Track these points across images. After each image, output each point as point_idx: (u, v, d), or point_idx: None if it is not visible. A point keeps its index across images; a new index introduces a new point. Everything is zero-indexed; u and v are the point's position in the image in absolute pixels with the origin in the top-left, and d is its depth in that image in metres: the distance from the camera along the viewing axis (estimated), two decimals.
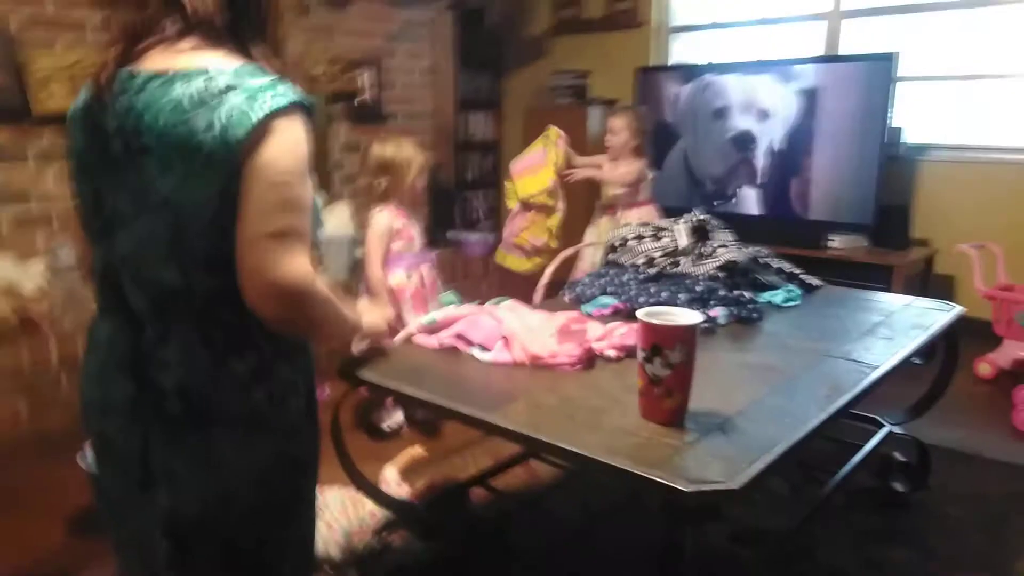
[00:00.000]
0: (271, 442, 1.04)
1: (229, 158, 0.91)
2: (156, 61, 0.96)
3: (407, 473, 2.10)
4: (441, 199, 4.48)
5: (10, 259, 2.82)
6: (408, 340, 1.60)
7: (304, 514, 1.15)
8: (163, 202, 0.94)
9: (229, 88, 0.93)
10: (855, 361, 1.53)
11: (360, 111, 4.04)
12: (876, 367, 1.48)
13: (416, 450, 2.21)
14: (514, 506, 2.05)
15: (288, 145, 0.94)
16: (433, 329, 1.61)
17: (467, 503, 1.97)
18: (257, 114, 0.92)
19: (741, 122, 3.99)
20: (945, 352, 2.00)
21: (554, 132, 3.14)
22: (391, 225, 2.55)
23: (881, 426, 2.12)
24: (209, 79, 0.93)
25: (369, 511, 1.86)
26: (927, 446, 2.16)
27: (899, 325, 1.79)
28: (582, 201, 3.54)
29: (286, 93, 0.95)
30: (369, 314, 1.32)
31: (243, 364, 1.01)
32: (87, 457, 1.99)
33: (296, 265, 0.95)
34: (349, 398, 1.40)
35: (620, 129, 3.17)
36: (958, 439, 2.52)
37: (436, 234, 4.39)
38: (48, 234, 2.99)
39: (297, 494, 1.12)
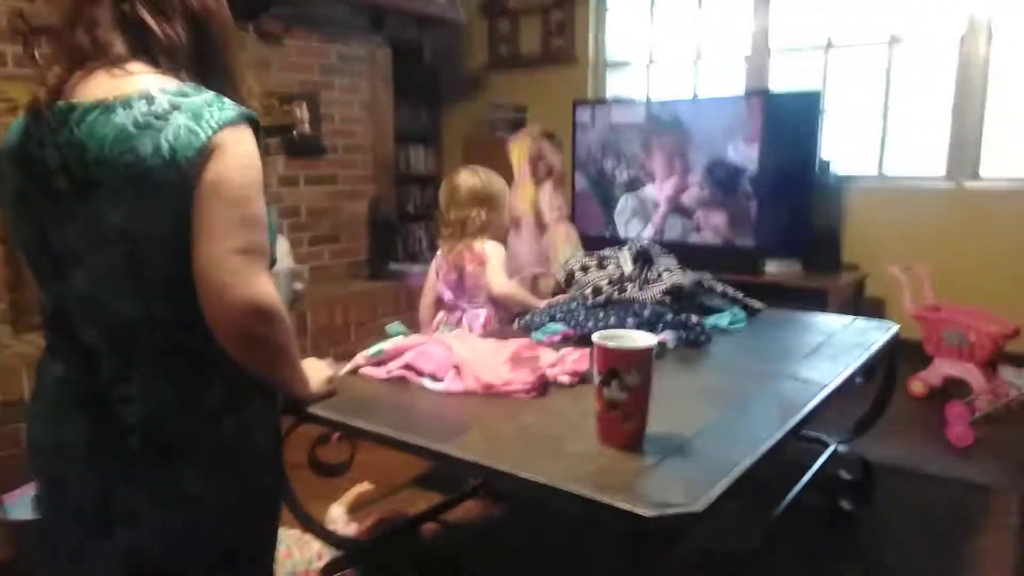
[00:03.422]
0: (238, 476, 1.01)
1: (181, 180, 0.89)
2: (96, 88, 0.93)
3: (355, 510, 2.03)
4: (383, 231, 4.43)
5: None
6: (355, 372, 1.55)
7: (268, 549, 1.13)
8: (118, 234, 0.91)
9: (173, 108, 0.91)
10: (803, 380, 1.55)
11: (297, 144, 3.98)
12: (824, 385, 1.51)
13: (363, 486, 2.14)
14: (468, 540, 1.99)
15: (241, 160, 0.93)
16: (381, 360, 1.57)
17: (418, 539, 1.91)
18: (205, 131, 0.90)
19: (678, 154, 4.09)
20: (885, 370, 2.06)
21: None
22: (504, 254, 2.27)
23: (826, 445, 2.15)
24: (151, 101, 0.91)
25: (316, 551, 1.78)
26: (871, 463, 2.21)
27: (841, 344, 1.84)
28: None
29: (232, 107, 0.94)
30: (313, 373, 1.27)
31: (212, 396, 0.98)
32: (13, 507, 1.86)
33: (263, 282, 0.93)
34: (295, 434, 1.34)
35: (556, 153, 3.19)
36: (896, 455, 2.59)
37: (379, 266, 4.33)
38: None
39: (262, 529, 1.10)
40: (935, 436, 2.81)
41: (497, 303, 2.23)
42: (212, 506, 0.99)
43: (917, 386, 3.23)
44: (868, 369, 1.88)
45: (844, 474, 2.17)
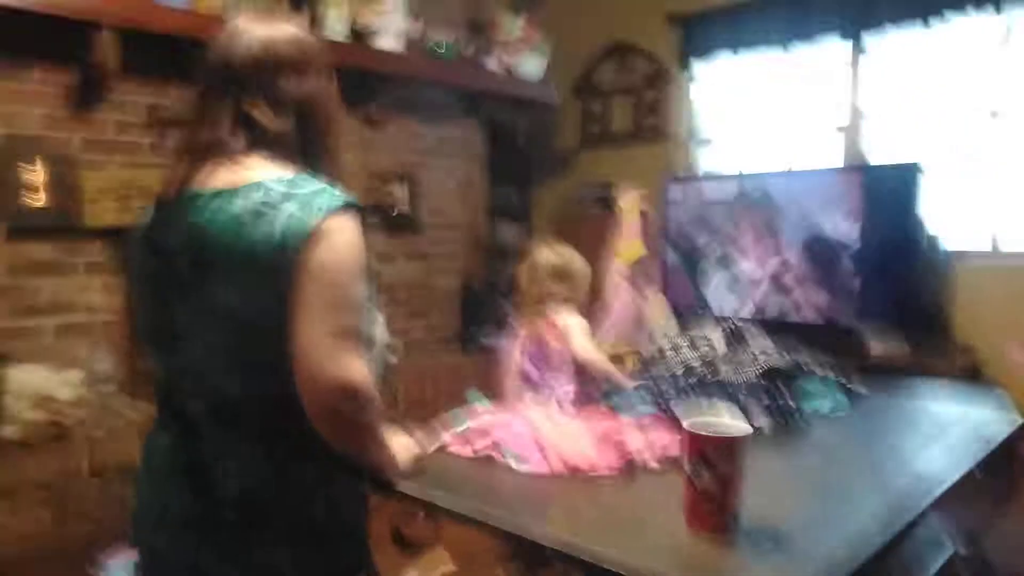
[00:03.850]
0: (326, 552, 1.03)
1: (287, 265, 0.94)
2: (219, 178, 1.01)
3: None
4: (474, 306, 4.51)
5: (49, 368, 2.85)
6: (441, 450, 1.56)
7: None
8: (228, 314, 0.96)
9: (285, 198, 0.97)
10: (913, 474, 1.44)
11: (396, 222, 4.14)
12: (938, 480, 1.39)
13: (443, 557, 2.11)
14: None
15: (342, 246, 0.97)
16: (467, 437, 1.57)
17: None
18: (313, 219, 0.95)
19: (773, 230, 4.00)
20: (1008, 464, 1.89)
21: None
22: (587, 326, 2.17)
23: (942, 546, 1.98)
24: (266, 191, 0.98)
25: None
26: (993, 566, 2.01)
27: (956, 435, 1.71)
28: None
29: (338, 196, 0.99)
30: (401, 451, 1.27)
31: (306, 473, 1.01)
32: (109, 570, 1.93)
33: (356, 365, 0.96)
34: (381, 510, 1.35)
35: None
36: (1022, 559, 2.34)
37: (469, 340, 4.38)
38: (90, 344, 3.03)
39: None
40: None
41: (581, 372, 2.17)
42: None
43: None
44: (987, 463, 1.74)
45: None
